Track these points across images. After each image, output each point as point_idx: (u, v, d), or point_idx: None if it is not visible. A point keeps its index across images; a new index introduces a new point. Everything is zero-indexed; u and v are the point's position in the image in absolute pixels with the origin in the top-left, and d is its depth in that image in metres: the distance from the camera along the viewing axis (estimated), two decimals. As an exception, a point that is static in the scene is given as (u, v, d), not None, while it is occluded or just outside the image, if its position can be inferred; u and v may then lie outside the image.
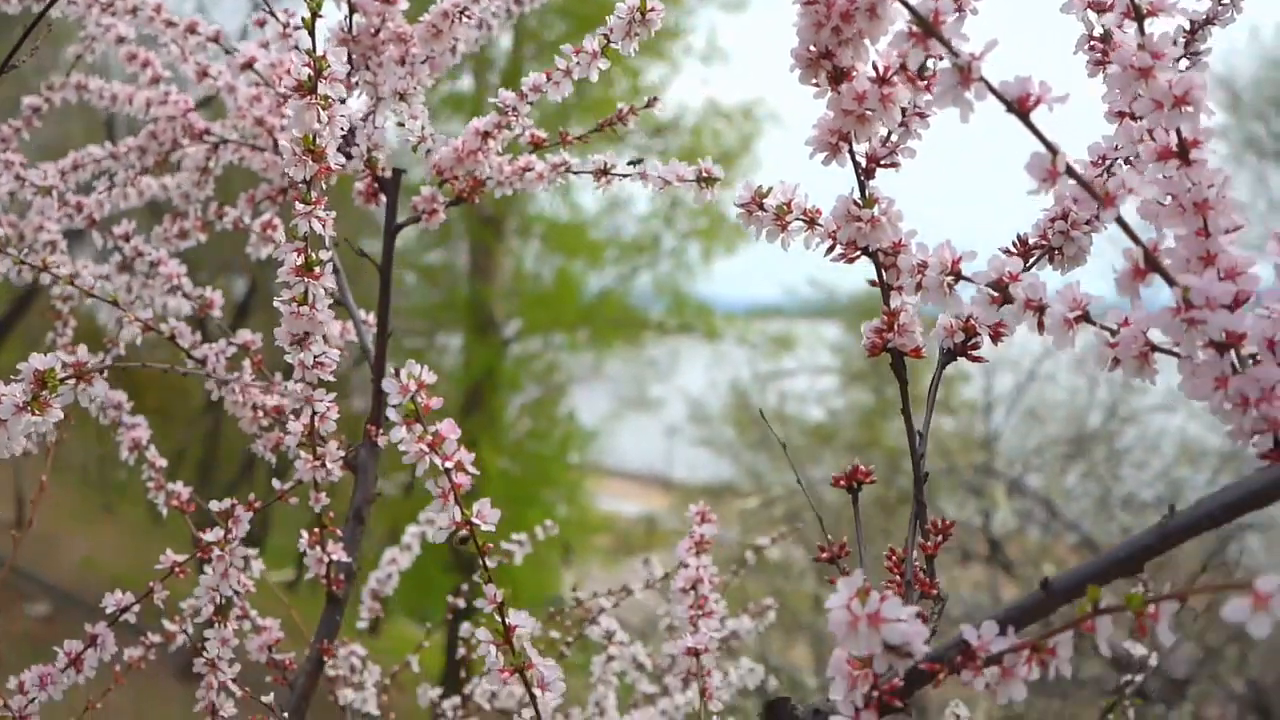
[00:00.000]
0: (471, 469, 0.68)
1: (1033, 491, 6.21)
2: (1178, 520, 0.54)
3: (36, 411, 0.73)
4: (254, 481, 9.05)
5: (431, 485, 0.69)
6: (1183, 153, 0.59)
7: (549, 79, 0.97)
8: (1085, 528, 6.36)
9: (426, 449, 0.67)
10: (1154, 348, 0.60)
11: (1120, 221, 0.55)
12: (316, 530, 1.04)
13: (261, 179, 1.27)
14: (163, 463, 1.17)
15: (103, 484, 11.35)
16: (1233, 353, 0.58)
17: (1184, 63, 0.78)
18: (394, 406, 0.67)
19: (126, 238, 1.18)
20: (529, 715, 0.72)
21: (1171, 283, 0.55)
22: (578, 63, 0.95)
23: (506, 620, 0.71)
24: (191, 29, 1.15)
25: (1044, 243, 0.75)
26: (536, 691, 0.71)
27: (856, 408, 10.24)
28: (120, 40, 1.27)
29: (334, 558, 1.04)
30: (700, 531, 1.05)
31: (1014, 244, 0.76)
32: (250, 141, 1.27)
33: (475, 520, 0.69)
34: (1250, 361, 0.57)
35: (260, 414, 1.09)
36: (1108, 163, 0.76)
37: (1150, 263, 0.56)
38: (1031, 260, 0.75)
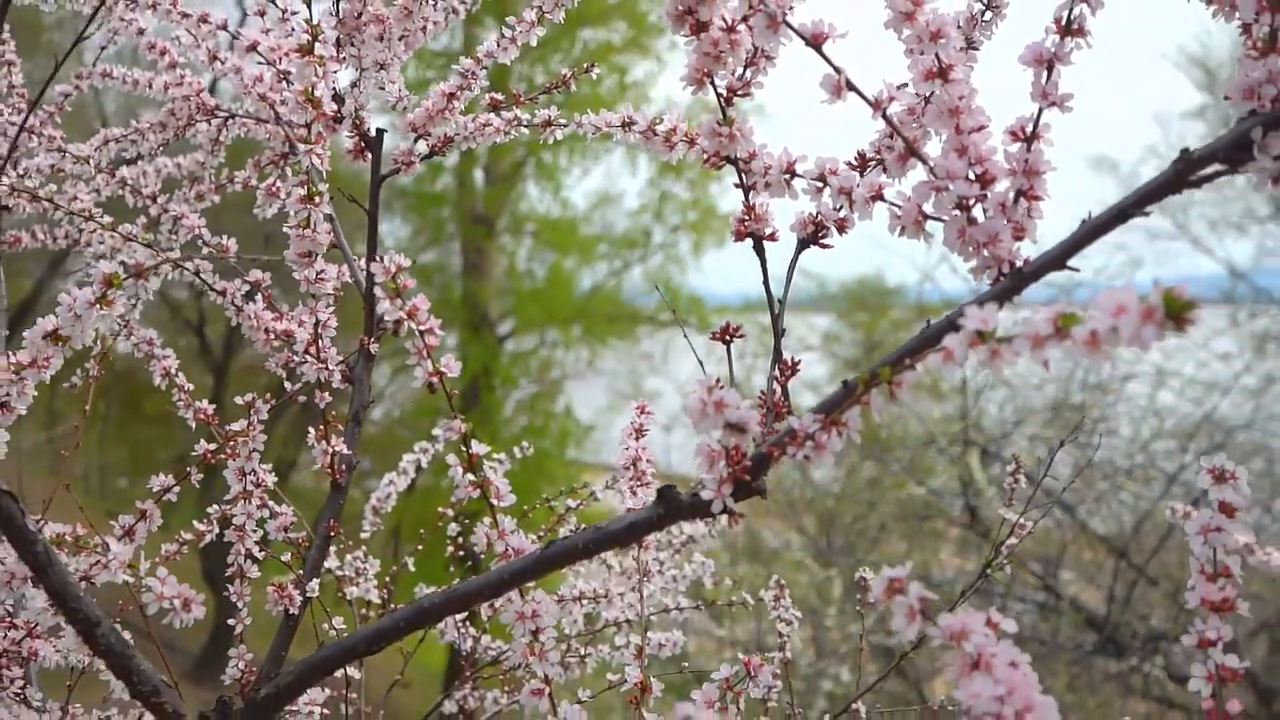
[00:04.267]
0: (439, 332, 0.90)
1: (1007, 459, 6.43)
2: (934, 328, 0.77)
3: (104, 306, 0.95)
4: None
5: (409, 344, 0.91)
6: (942, 73, 0.81)
7: (499, 44, 1.20)
8: (1064, 495, 6.61)
9: (406, 316, 0.89)
10: (926, 216, 0.82)
11: (886, 119, 0.78)
12: (322, 427, 1.26)
13: (265, 147, 1.49)
14: (189, 386, 1.39)
15: (104, 492, 11.58)
16: (979, 212, 0.80)
17: (988, 14, 1.01)
18: (378, 284, 0.89)
19: (154, 198, 1.40)
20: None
21: (925, 162, 0.78)
22: (520, 31, 1.18)
23: (470, 449, 0.93)
24: (203, 19, 1.37)
25: (878, 156, 0.97)
26: (494, 501, 0.93)
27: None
28: (141, 32, 1.49)
29: (337, 450, 1.26)
30: (639, 421, 1.27)
31: (855, 157, 0.98)
32: (255, 116, 1.50)
33: (443, 369, 0.91)
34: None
35: (271, 337, 1.31)
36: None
37: (910, 151, 0.78)
38: (869, 169, 0.97)
